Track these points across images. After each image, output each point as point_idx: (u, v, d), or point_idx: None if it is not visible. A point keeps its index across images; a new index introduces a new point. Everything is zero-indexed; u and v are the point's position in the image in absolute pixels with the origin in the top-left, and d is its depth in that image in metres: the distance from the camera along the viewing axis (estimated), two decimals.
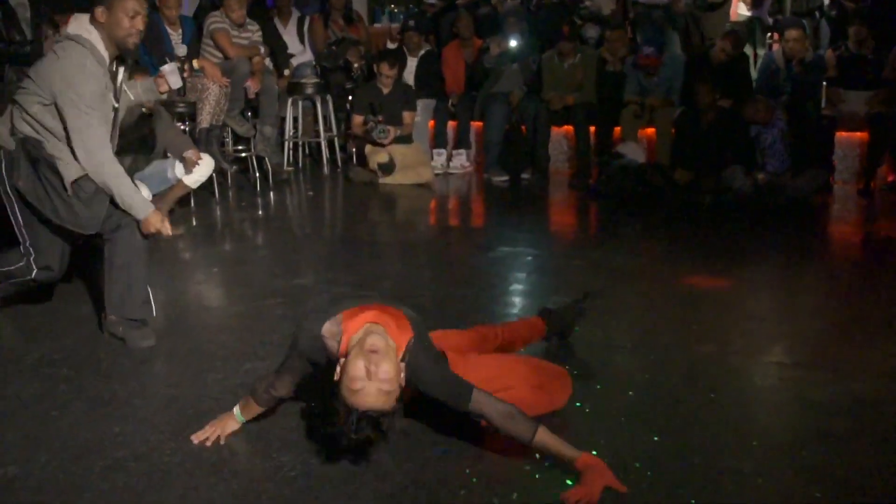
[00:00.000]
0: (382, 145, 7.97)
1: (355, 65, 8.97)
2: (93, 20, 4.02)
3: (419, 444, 3.20)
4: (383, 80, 8.13)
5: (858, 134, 7.69)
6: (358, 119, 8.17)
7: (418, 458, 3.11)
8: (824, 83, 7.89)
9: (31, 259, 4.30)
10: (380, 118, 7.96)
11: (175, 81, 4.72)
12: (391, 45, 9.38)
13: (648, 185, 7.23)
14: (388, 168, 7.93)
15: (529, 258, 5.43)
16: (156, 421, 3.45)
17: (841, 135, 7.68)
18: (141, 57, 7.44)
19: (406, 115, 8.15)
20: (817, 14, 8.98)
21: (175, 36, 7.51)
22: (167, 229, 4.23)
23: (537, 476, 3.01)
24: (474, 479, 2.98)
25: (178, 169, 6.33)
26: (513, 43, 8.71)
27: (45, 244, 4.28)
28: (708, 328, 4.44)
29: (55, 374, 3.92)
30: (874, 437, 3.26)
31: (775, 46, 8.23)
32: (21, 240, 4.30)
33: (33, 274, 4.33)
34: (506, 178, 8.27)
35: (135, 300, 4.30)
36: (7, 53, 5.32)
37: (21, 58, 5.41)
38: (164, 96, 4.76)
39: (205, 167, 6.52)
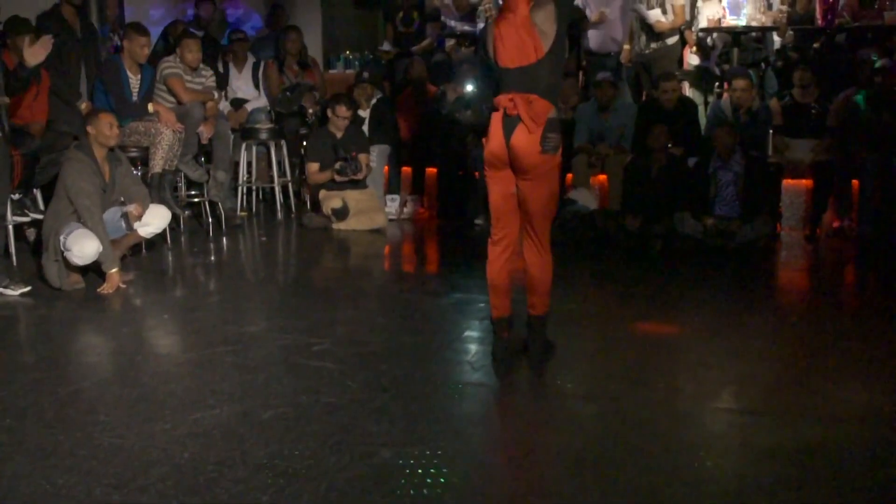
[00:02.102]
0: (358, 180, 7.99)
1: (310, 110, 8.98)
2: None
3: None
4: (338, 122, 8.12)
5: (804, 181, 7.81)
6: (313, 166, 8.15)
7: None
8: (770, 131, 8.02)
9: None
10: (353, 153, 7.98)
11: None
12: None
13: (600, 231, 7.28)
14: (341, 213, 7.91)
15: (482, 304, 5.42)
16: (101, 472, 3.38)
17: (787, 182, 7.80)
18: (97, 96, 7.43)
19: (361, 157, 8.16)
20: (763, 65, 9.15)
21: (134, 81, 7.46)
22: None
23: None
24: None
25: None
26: (469, 88, 8.78)
27: None
28: (658, 373, 4.45)
29: None
30: (819, 483, 3.29)
31: (724, 95, 8.36)
32: None
33: None
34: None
35: None
36: None
37: None
38: None
39: (160, 220, 6.54)
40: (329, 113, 8.25)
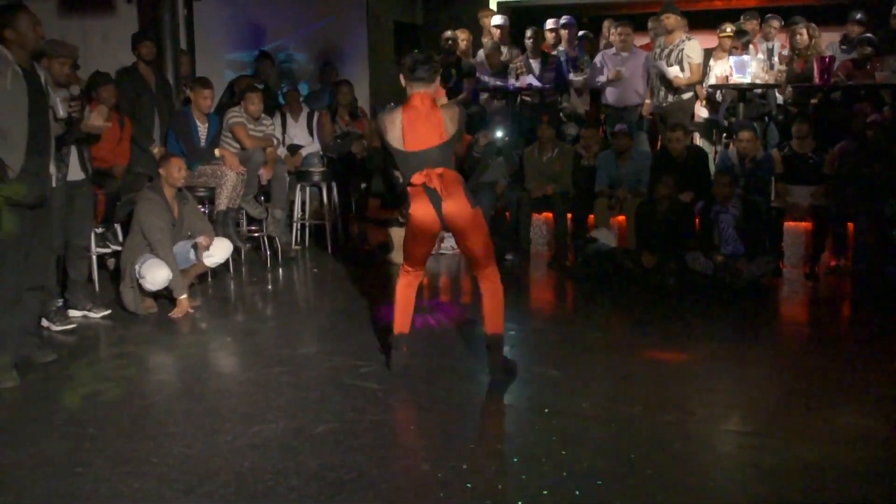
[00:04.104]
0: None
1: (358, 156, 9.05)
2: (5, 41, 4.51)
3: None
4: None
5: (803, 224, 7.75)
6: (375, 202, 8.17)
7: None
8: (773, 178, 7.99)
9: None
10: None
11: (60, 112, 4.99)
12: None
13: (619, 268, 7.25)
14: (386, 248, 7.95)
15: (512, 332, 5.42)
16: (171, 478, 3.42)
17: (788, 224, 7.74)
18: (170, 142, 7.55)
19: None
20: (766, 118, 9.11)
21: (202, 129, 7.59)
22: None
23: None
24: None
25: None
26: (498, 134, 8.79)
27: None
28: (671, 398, 4.43)
29: (81, 433, 3.90)
30: (821, 501, 3.25)
31: (731, 146, 8.32)
32: None
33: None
34: None
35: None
36: None
37: None
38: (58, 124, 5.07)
39: (223, 251, 6.62)
40: None
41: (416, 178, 4.40)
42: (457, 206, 4.40)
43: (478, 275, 4.67)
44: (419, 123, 4.44)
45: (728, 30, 9.09)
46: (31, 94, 4.59)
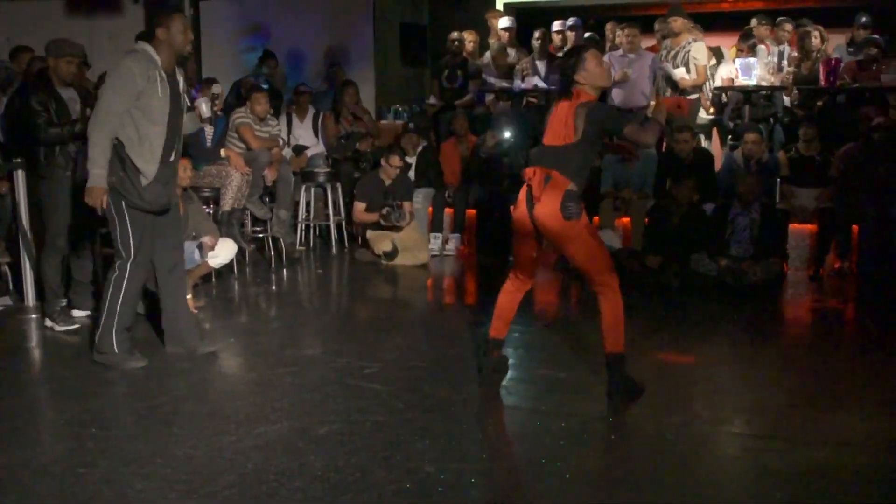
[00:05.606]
0: (400, 227, 7.96)
1: (367, 151, 9.04)
2: (154, 41, 4.63)
3: None
4: (390, 171, 8.10)
5: (809, 226, 7.74)
6: (360, 206, 8.15)
7: None
8: (778, 181, 7.97)
9: (131, 261, 4.78)
10: (399, 203, 7.95)
11: (206, 111, 5.18)
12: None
13: (623, 269, 7.21)
14: (391, 255, 7.90)
15: (517, 334, 5.40)
16: (174, 479, 3.40)
17: (793, 226, 7.71)
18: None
19: (406, 204, 8.13)
20: (772, 120, 9.08)
21: (208, 129, 7.54)
22: None
23: None
24: None
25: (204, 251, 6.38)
26: (506, 134, 8.78)
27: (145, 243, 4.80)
28: (676, 400, 4.41)
29: (84, 434, 3.88)
30: (826, 502, 3.22)
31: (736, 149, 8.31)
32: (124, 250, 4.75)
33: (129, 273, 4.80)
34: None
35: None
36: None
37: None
38: (203, 125, 5.38)
39: (227, 252, 6.60)
40: (382, 161, 8.24)
41: (526, 172, 4.32)
42: (547, 212, 4.18)
43: (592, 288, 4.48)
44: (555, 119, 4.30)
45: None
46: (171, 100, 4.66)
